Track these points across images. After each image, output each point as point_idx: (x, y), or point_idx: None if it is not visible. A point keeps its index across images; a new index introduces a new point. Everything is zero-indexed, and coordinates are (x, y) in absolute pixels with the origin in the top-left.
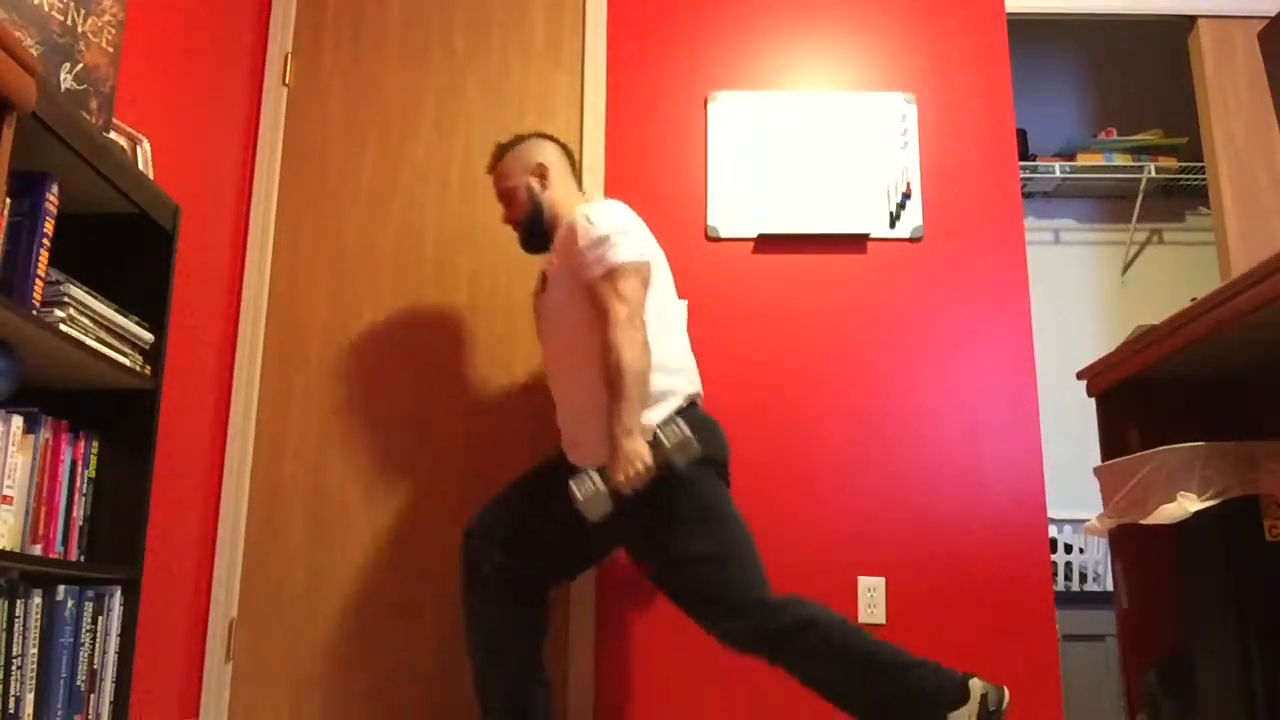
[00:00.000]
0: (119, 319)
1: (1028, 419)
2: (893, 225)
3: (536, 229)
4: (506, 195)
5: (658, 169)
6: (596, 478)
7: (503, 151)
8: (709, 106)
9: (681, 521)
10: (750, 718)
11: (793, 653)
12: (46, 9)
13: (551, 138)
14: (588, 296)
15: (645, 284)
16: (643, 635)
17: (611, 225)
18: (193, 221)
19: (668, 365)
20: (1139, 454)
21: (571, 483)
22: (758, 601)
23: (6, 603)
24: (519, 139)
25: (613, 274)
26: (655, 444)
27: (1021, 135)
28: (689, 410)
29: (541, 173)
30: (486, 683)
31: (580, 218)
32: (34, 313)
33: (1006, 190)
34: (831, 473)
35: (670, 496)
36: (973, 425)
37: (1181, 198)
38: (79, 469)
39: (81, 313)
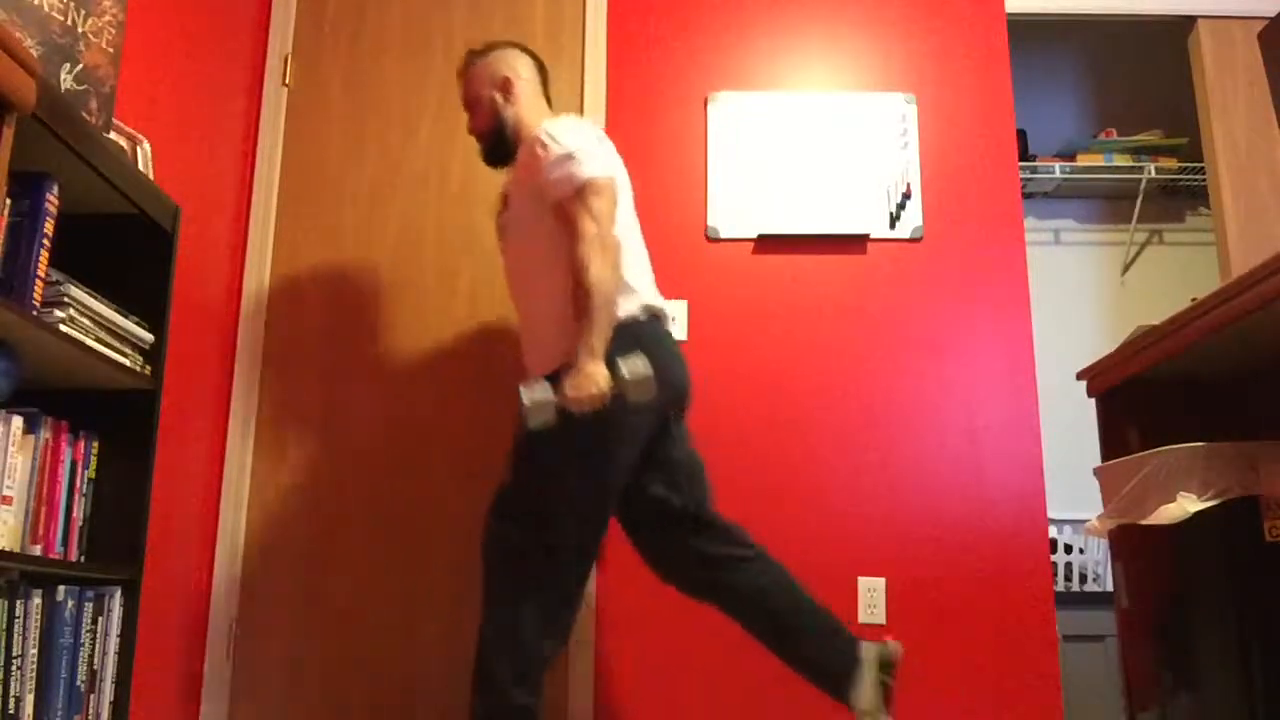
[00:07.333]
0: (119, 319)
1: (1028, 419)
2: (893, 225)
3: (498, 143)
4: (471, 105)
5: (658, 169)
6: (548, 388)
7: (472, 59)
8: (709, 106)
9: (562, 452)
10: (749, 718)
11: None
12: (46, 9)
13: (525, 49)
14: (552, 214)
15: (614, 201)
16: (643, 635)
17: (576, 142)
18: (193, 221)
19: (623, 289)
20: (1139, 454)
21: (521, 387)
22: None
23: (6, 603)
24: (490, 47)
25: (582, 191)
26: (614, 373)
27: (1021, 135)
28: (645, 325)
29: (506, 86)
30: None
31: (542, 134)
32: (34, 313)
33: (1006, 190)
34: (831, 473)
35: (581, 429)
36: (973, 425)
37: (1181, 198)
38: (79, 469)
39: (81, 313)
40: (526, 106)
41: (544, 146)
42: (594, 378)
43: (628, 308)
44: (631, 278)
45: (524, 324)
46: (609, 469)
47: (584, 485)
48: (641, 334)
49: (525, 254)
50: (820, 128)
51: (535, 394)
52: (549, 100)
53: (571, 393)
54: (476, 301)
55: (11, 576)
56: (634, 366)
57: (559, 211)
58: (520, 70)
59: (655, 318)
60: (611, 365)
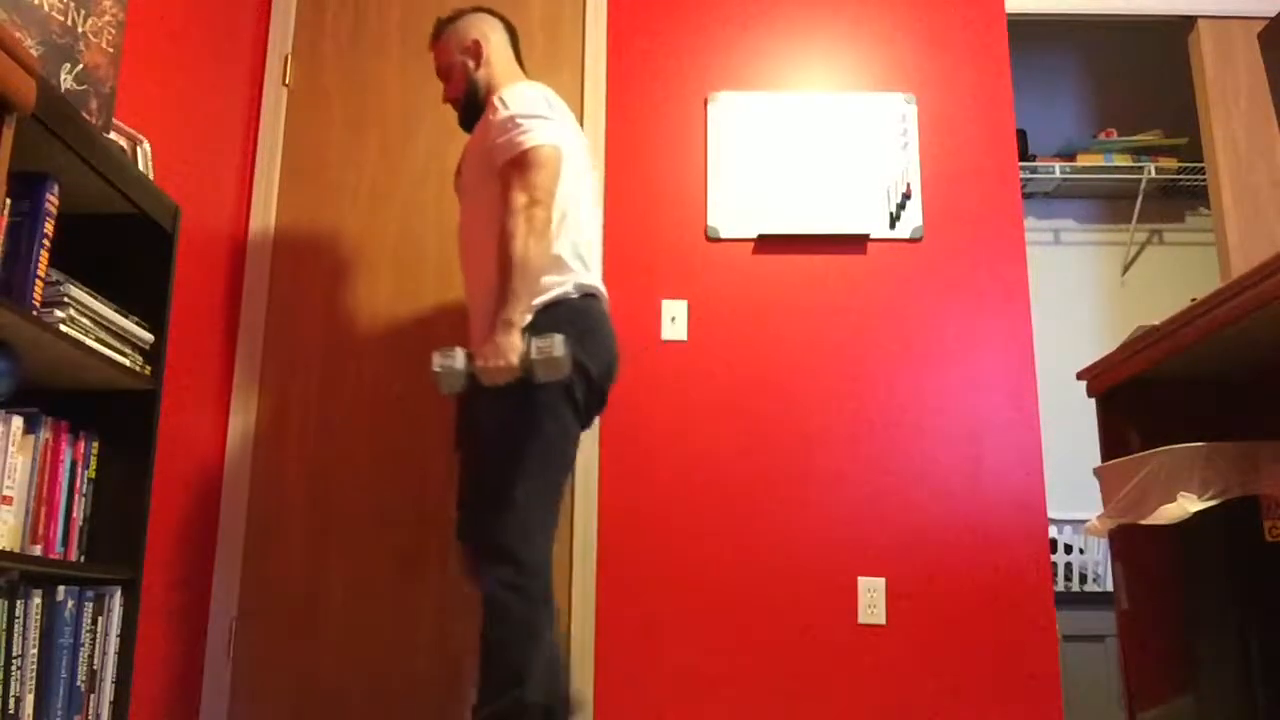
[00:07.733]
0: (119, 319)
1: (1028, 419)
2: (893, 225)
3: (471, 109)
4: (443, 73)
5: (658, 169)
6: (463, 356)
7: (441, 27)
8: (709, 106)
9: (503, 417)
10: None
11: (495, 608)
12: (46, 9)
13: (493, 12)
14: (497, 180)
15: (554, 175)
16: (643, 635)
17: (524, 108)
18: (193, 221)
19: (558, 266)
20: (1139, 454)
21: (436, 353)
22: (516, 542)
23: (6, 603)
24: (459, 14)
25: (521, 159)
26: (525, 349)
27: (1021, 135)
28: (576, 303)
29: (476, 51)
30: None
31: (495, 98)
32: (34, 313)
33: (1006, 190)
34: (831, 473)
35: (511, 391)
36: (973, 425)
37: (1181, 198)
38: (79, 469)
39: (81, 313)
40: (497, 69)
41: (494, 110)
42: (504, 350)
43: (560, 285)
44: (568, 254)
45: (468, 290)
46: (536, 436)
47: (513, 452)
48: (572, 312)
49: (472, 219)
50: (820, 128)
51: (444, 361)
52: (522, 64)
53: (480, 363)
54: None
55: (11, 576)
56: (545, 345)
57: (500, 178)
58: (489, 33)
59: (590, 296)
60: (528, 341)
